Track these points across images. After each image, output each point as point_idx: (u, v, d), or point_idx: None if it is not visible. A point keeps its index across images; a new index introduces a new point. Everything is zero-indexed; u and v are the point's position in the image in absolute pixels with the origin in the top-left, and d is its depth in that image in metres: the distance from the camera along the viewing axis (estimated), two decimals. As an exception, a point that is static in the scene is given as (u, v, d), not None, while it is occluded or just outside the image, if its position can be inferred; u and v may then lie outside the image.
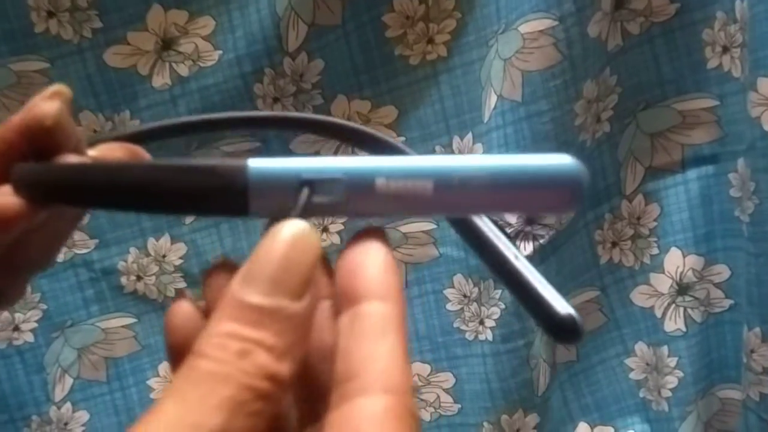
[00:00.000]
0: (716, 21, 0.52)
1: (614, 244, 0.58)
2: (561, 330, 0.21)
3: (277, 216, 0.18)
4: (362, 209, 0.19)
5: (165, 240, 0.56)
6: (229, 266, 0.19)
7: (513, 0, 0.49)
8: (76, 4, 0.49)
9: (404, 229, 0.57)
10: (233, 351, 0.15)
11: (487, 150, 0.51)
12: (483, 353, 0.56)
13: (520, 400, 0.56)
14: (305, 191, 0.18)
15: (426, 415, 0.59)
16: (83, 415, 0.57)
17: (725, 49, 0.52)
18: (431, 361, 0.58)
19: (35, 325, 0.56)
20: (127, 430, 0.14)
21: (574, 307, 0.56)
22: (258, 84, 0.52)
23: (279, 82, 0.52)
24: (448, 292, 0.57)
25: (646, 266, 0.57)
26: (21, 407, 0.56)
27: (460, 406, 0.58)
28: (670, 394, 0.57)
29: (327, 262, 0.19)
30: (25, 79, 0.50)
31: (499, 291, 0.55)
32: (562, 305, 0.21)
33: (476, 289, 0.56)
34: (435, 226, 0.57)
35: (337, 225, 0.57)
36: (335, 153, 0.53)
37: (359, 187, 0.19)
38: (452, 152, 0.54)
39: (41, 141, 0.21)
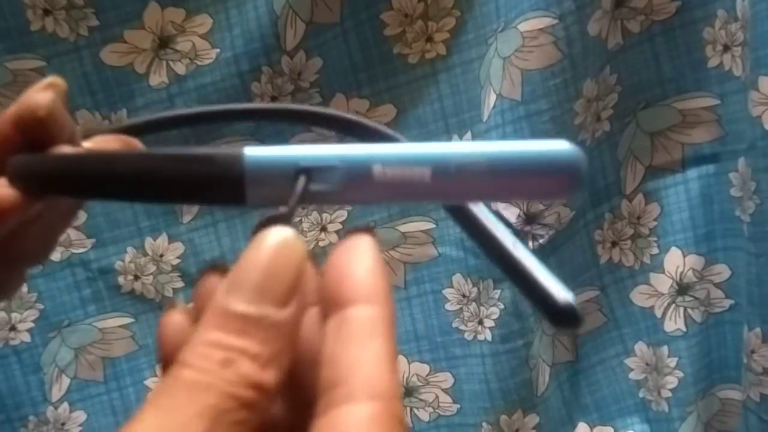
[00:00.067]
0: (717, 19, 0.51)
1: (614, 244, 0.57)
2: (560, 317, 0.21)
3: (274, 204, 0.18)
4: (360, 197, 0.19)
5: (162, 239, 0.55)
6: (220, 271, 0.19)
7: (512, -2, 0.49)
8: (72, 2, 0.49)
9: (403, 228, 0.57)
10: (216, 360, 0.15)
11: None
12: (482, 353, 0.56)
13: (519, 400, 0.56)
14: (302, 179, 0.18)
15: (425, 415, 0.59)
16: (80, 415, 0.57)
17: (726, 48, 0.52)
18: (430, 361, 0.58)
19: (32, 324, 0.55)
20: None
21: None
22: (255, 82, 0.51)
23: (277, 80, 0.52)
24: (447, 292, 0.57)
25: (646, 266, 0.57)
26: (18, 407, 0.56)
27: (459, 406, 0.58)
28: (670, 394, 0.57)
29: (318, 267, 0.19)
30: (21, 77, 0.50)
31: (498, 291, 0.55)
32: (561, 292, 0.21)
33: (475, 289, 0.56)
34: (434, 226, 0.56)
35: (335, 224, 0.56)
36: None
37: (356, 175, 0.18)
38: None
39: (35, 132, 0.21)
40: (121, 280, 0.56)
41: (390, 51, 0.53)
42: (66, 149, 0.21)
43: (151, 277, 0.56)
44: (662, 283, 0.56)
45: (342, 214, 0.56)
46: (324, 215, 0.56)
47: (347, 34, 0.52)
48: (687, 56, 0.53)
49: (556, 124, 0.50)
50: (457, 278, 0.56)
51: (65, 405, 0.57)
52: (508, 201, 0.20)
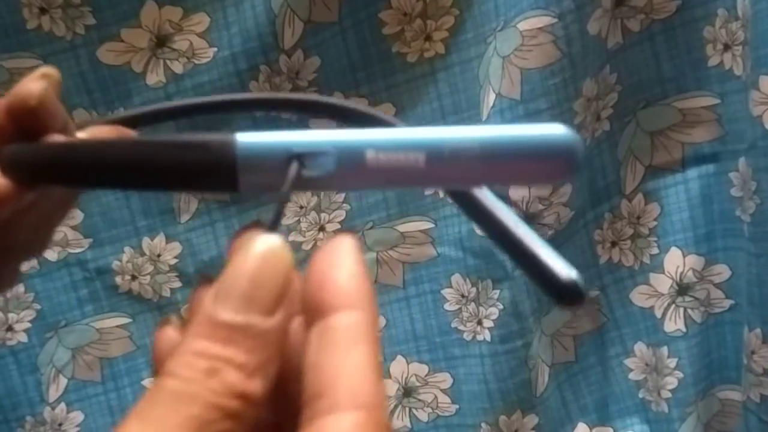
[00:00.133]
0: (717, 18, 0.51)
1: (614, 244, 0.57)
2: (563, 293, 0.20)
3: (267, 191, 0.18)
4: (353, 183, 0.19)
5: (160, 239, 0.55)
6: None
7: (511, -3, 0.49)
8: (68, 0, 0.49)
9: (402, 228, 0.56)
10: (201, 369, 0.15)
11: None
12: (481, 354, 0.56)
13: (519, 400, 0.56)
14: (295, 165, 0.18)
15: (423, 416, 0.59)
16: (78, 416, 0.57)
17: (726, 47, 0.52)
18: (429, 361, 0.58)
19: (29, 325, 0.55)
20: None
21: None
22: (253, 81, 0.51)
23: (275, 79, 0.52)
24: (446, 292, 0.57)
25: (645, 266, 0.57)
26: (15, 408, 0.56)
27: (457, 406, 0.58)
28: (669, 394, 0.57)
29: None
30: (17, 76, 0.50)
31: (498, 291, 0.54)
32: (563, 269, 0.20)
33: (474, 290, 0.55)
34: (433, 226, 0.56)
35: (333, 224, 0.56)
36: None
37: (349, 160, 0.18)
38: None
39: (27, 121, 0.21)
40: (118, 280, 0.55)
41: (389, 50, 0.52)
42: (58, 138, 0.21)
43: (148, 277, 0.56)
44: (662, 283, 0.56)
45: (340, 213, 0.56)
46: (322, 215, 0.56)
47: (345, 32, 0.52)
48: (687, 55, 0.53)
49: (556, 124, 0.50)
50: (456, 278, 0.56)
51: (62, 405, 0.56)
52: (505, 186, 0.19)
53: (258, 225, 0.18)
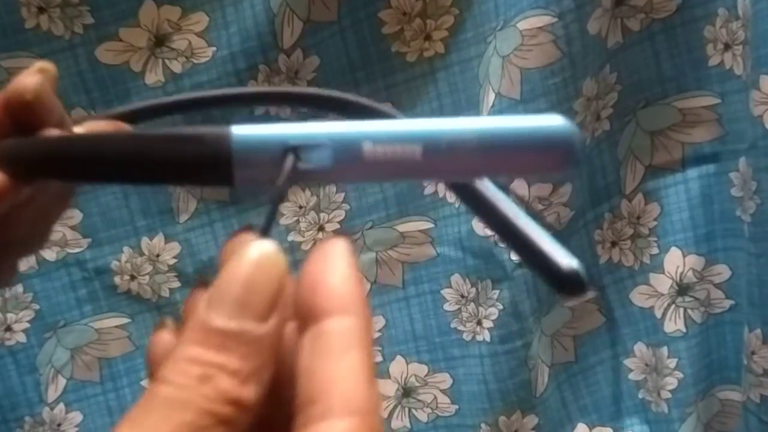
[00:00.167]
0: (718, 18, 0.51)
1: (614, 244, 0.57)
2: (565, 283, 0.20)
3: (263, 184, 0.18)
4: (350, 175, 0.19)
5: (159, 239, 0.55)
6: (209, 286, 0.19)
7: (511, -4, 0.49)
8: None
9: (401, 228, 0.56)
10: (194, 376, 0.15)
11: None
12: (480, 354, 0.56)
13: (518, 401, 0.56)
14: (291, 158, 0.18)
15: (423, 416, 0.59)
16: (76, 416, 0.57)
17: (727, 47, 0.51)
18: (428, 361, 0.58)
19: (27, 325, 0.55)
20: None
21: (573, 308, 0.55)
22: (252, 81, 0.51)
23: (274, 79, 0.51)
24: (446, 292, 0.57)
25: (645, 266, 0.56)
26: (13, 408, 0.56)
27: (457, 407, 0.58)
28: (669, 395, 0.57)
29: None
30: (15, 75, 0.49)
31: (497, 291, 0.54)
32: (565, 259, 0.20)
33: (474, 290, 0.55)
34: (432, 226, 0.56)
35: (332, 224, 0.56)
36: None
37: (346, 153, 0.18)
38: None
39: (23, 115, 0.21)
40: (117, 280, 0.55)
41: (388, 49, 0.52)
42: (54, 132, 0.21)
43: (147, 277, 0.55)
44: (662, 283, 0.56)
45: (340, 213, 0.56)
46: (322, 215, 0.56)
47: (345, 32, 0.52)
48: (687, 55, 0.53)
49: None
50: (456, 278, 0.56)
51: (61, 406, 0.56)
52: (502, 177, 0.19)
53: (250, 229, 0.18)
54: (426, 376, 0.58)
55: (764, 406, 0.51)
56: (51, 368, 0.56)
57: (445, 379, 0.58)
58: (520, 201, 0.23)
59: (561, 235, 0.54)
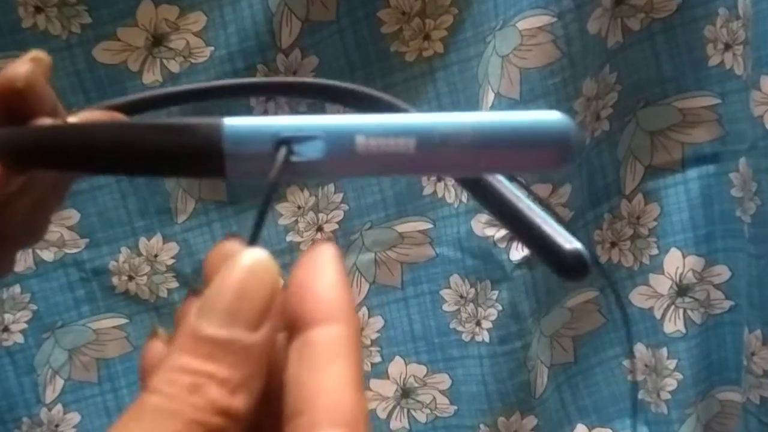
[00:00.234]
0: (718, 17, 0.51)
1: (613, 244, 0.57)
2: (567, 265, 0.20)
3: (255, 175, 0.18)
4: (343, 169, 0.19)
5: (157, 239, 0.55)
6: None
7: (511, -4, 0.49)
8: (64, -1, 0.48)
9: (400, 228, 0.56)
10: (184, 385, 0.15)
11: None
12: (480, 355, 0.56)
13: (518, 402, 0.56)
14: (283, 150, 0.18)
15: (422, 417, 0.58)
16: (74, 417, 0.56)
17: (727, 47, 0.51)
18: (427, 362, 0.58)
19: (25, 325, 0.55)
20: None
21: (572, 309, 0.55)
22: (251, 81, 0.51)
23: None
24: (445, 293, 0.56)
25: (645, 267, 0.56)
26: (11, 409, 0.56)
27: (456, 407, 0.58)
28: (669, 396, 0.57)
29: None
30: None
31: (496, 292, 0.54)
32: (567, 241, 0.20)
33: (473, 290, 0.55)
34: (431, 226, 0.56)
35: (331, 224, 0.56)
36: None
37: (339, 146, 0.18)
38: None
39: (15, 104, 0.21)
40: (115, 280, 0.55)
41: (387, 49, 0.52)
42: (46, 121, 0.21)
43: (145, 277, 0.55)
44: (662, 284, 0.56)
45: (338, 214, 0.56)
46: (320, 215, 0.56)
47: (343, 32, 0.51)
48: (687, 55, 0.52)
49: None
50: (455, 279, 0.56)
51: (59, 406, 0.56)
52: (497, 173, 0.19)
53: (235, 237, 0.18)
54: (425, 376, 0.58)
55: (764, 407, 0.51)
56: (49, 369, 0.56)
57: (444, 380, 0.58)
58: (524, 186, 0.22)
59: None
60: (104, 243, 0.55)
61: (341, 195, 0.56)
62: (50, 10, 0.49)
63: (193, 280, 0.55)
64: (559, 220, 0.22)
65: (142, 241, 0.55)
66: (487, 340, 0.55)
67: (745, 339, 0.52)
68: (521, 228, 0.21)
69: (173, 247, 0.55)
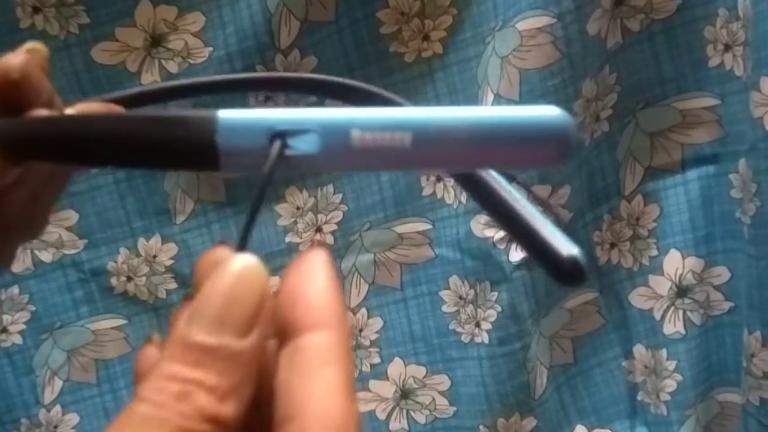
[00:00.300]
0: (718, 18, 0.51)
1: (613, 245, 0.57)
2: (564, 272, 0.20)
3: (249, 169, 0.17)
4: (338, 163, 0.18)
5: (155, 240, 0.55)
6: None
7: (510, -4, 0.48)
8: (62, -1, 0.48)
9: (399, 229, 0.56)
10: (172, 393, 0.15)
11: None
12: (479, 356, 0.56)
13: (517, 403, 0.55)
14: (277, 143, 0.18)
15: (421, 418, 0.58)
16: (73, 418, 0.56)
17: (727, 47, 0.51)
18: (426, 363, 0.58)
19: (23, 326, 0.55)
20: None
21: (572, 310, 0.55)
22: (249, 82, 0.51)
23: (271, 79, 0.51)
24: (444, 294, 0.56)
25: (645, 268, 0.56)
26: (10, 410, 0.55)
27: (455, 408, 0.58)
28: (668, 397, 0.57)
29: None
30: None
31: (496, 293, 0.54)
32: (565, 246, 0.20)
33: (472, 291, 0.55)
34: (431, 227, 0.56)
35: (330, 225, 0.56)
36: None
37: (334, 139, 0.18)
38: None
39: (10, 95, 0.21)
40: (113, 281, 0.55)
41: (386, 49, 0.52)
42: (42, 112, 0.21)
43: (144, 278, 0.55)
44: (661, 285, 0.56)
45: (337, 214, 0.56)
46: (319, 216, 0.56)
47: (342, 32, 0.51)
48: (687, 55, 0.52)
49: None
50: (454, 280, 0.56)
51: (58, 407, 0.56)
52: (494, 168, 0.19)
53: (224, 244, 0.18)
54: (424, 377, 0.58)
55: (764, 408, 0.51)
56: (47, 370, 0.56)
57: (443, 381, 0.58)
58: (524, 188, 0.22)
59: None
60: (103, 244, 0.54)
61: (340, 196, 0.55)
62: (48, 10, 0.48)
63: (192, 281, 0.55)
64: (559, 222, 0.21)
65: (141, 242, 0.55)
66: (486, 341, 0.55)
67: (745, 340, 0.52)
68: (519, 231, 0.21)
69: (172, 248, 0.55)
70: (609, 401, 0.59)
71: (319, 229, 0.56)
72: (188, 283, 0.55)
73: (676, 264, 0.55)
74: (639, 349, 0.58)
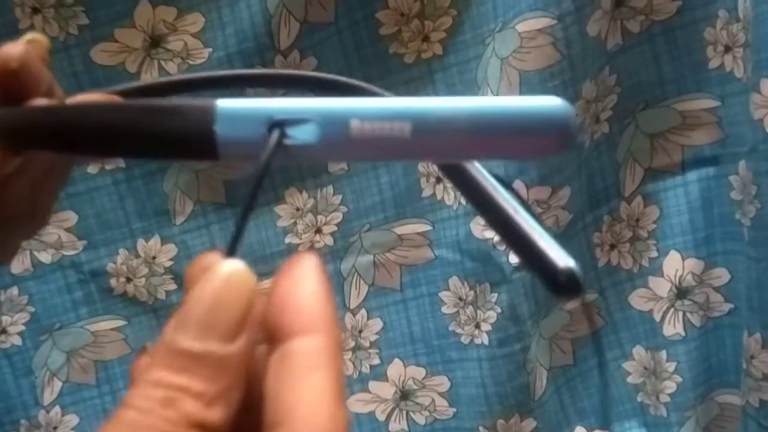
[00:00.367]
0: (718, 20, 0.51)
1: (613, 247, 0.57)
2: (560, 284, 0.20)
3: (248, 159, 0.17)
4: (337, 152, 0.18)
5: (155, 241, 0.55)
6: None
7: (510, -2, 0.48)
8: (61, 0, 0.48)
9: (399, 230, 0.56)
10: (157, 399, 0.15)
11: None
12: (479, 357, 0.56)
13: (517, 404, 0.55)
14: (276, 133, 0.18)
15: (421, 419, 0.58)
16: (72, 419, 0.56)
17: (727, 49, 0.51)
18: (426, 364, 0.58)
19: (23, 328, 0.55)
20: None
21: (571, 311, 0.55)
22: (249, 83, 0.51)
23: (271, 80, 0.51)
24: (444, 295, 0.56)
25: (644, 269, 0.56)
26: (9, 411, 0.55)
27: (455, 410, 0.58)
28: (668, 399, 0.57)
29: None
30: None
31: (495, 295, 0.54)
32: (562, 258, 0.20)
33: (472, 293, 0.55)
34: (430, 228, 0.56)
35: (330, 226, 0.56)
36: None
37: (333, 129, 0.18)
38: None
39: (9, 84, 0.21)
40: (113, 282, 0.55)
41: (386, 50, 0.52)
42: (41, 102, 0.21)
43: (143, 279, 0.55)
44: (661, 286, 0.56)
45: (337, 216, 0.56)
46: (319, 217, 0.56)
47: (342, 33, 0.51)
48: (687, 57, 0.52)
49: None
50: (454, 281, 0.56)
51: (57, 408, 0.56)
52: (494, 159, 0.19)
53: (214, 251, 0.18)
54: (424, 379, 0.58)
55: (763, 410, 0.51)
56: (47, 371, 0.56)
57: (443, 382, 0.58)
58: (521, 199, 0.22)
59: (560, 239, 0.54)
60: (102, 245, 0.54)
61: (340, 197, 0.55)
62: (47, 11, 0.48)
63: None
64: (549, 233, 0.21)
65: (140, 243, 0.55)
66: (486, 342, 0.55)
67: (745, 342, 0.52)
68: (516, 240, 0.21)
69: (171, 249, 0.55)
70: (609, 403, 0.59)
71: (318, 231, 0.56)
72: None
73: (675, 265, 0.55)
74: (639, 351, 0.58)
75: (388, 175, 0.55)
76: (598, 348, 0.59)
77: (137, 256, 0.55)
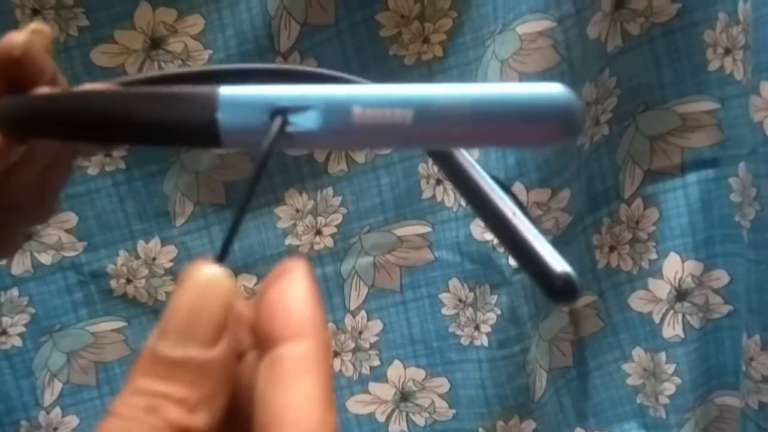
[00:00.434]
0: (718, 22, 0.51)
1: (612, 249, 0.57)
2: (556, 289, 0.20)
3: (250, 146, 0.18)
4: (338, 140, 0.18)
5: (155, 242, 0.55)
6: None
7: (510, 0, 0.48)
8: (61, 1, 0.48)
9: (399, 232, 0.56)
10: (140, 407, 0.15)
11: (484, 156, 0.50)
12: (478, 358, 0.56)
13: (516, 406, 0.55)
14: (278, 120, 0.18)
15: (420, 421, 0.58)
16: (73, 420, 0.56)
17: (727, 51, 0.51)
18: (426, 366, 0.58)
19: (23, 329, 0.55)
20: None
21: (571, 311, 0.55)
22: (249, 84, 0.51)
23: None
24: (444, 297, 0.56)
25: (644, 271, 0.56)
26: (9, 412, 0.56)
27: (455, 411, 0.58)
28: (667, 400, 0.57)
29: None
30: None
31: (495, 297, 0.54)
32: (558, 263, 0.20)
33: (472, 294, 0.55)
34: (430, 230, 0.56)
35: (330, 227, 0.56)
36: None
37: (335, 116, 0.18)
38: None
39: (13, 73, 0.21)
40: (113, 283, 0.55)
41: (386, 52, 0.52)
42: (44, 90, 0.21)
43: (143, 280, 0.55)
44: (661, 288, 0.56)
45: (337, 217, 0.56)
46: (319, 218, 0.56)
47: (342, 35, 0.51)
48: (687, 59, 0.52)
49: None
50: (454, 283, 0.56)
51: (57, 410, 0.56)
52: (496, 147, 0.19)
53: (206, 257, 0.18)
54: (424, 380, 0.58)
55: (762, 412, 0.51)
56: (47, 372, 0.56)
57: (442, 384, 0.58)
58: (520, 203, 0.22)
59: (559, 240, 0.54)
60: (102, 246, 0.54)
61: (340, 198, 0.55)
62: (47, 12, 0.48)
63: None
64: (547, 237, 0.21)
65: (141, 244, 0.55)
66: (486, 344, 0.55)
67: (744, 344, 0.52)
68: (512, 243, 0.21)
69: (171, 250, 0.55)
70: (608, 404, 0.59)
71: (318, 232, 0.56)
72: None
73: (675, 267, 0.55)
74: (638, 353, 0.58)
75: (388, 177, 0.55)
76: (598, 349, 0.59)
77: (137, 257, 0.55)
